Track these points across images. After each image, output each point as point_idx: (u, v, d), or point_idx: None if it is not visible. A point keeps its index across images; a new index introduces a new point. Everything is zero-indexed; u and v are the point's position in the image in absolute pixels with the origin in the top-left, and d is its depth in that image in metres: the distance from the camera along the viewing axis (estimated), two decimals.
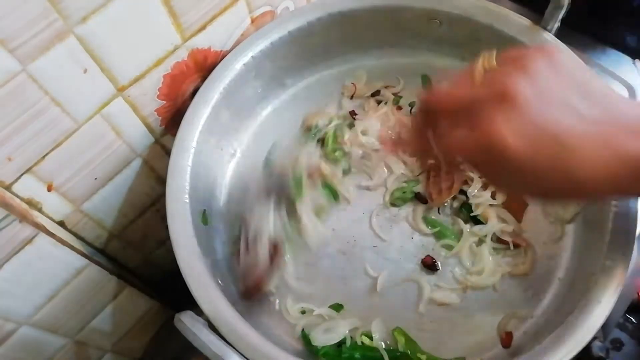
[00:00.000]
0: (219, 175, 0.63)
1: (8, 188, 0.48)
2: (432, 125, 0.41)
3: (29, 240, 0.50)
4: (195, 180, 0.56)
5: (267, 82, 0.66)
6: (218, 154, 0.63)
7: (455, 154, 0.39)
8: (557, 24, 0.59)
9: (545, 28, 0.59)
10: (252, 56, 0.61)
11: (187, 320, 0.45)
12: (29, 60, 0.42)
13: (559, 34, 0.59)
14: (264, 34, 0.62)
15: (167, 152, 0.63)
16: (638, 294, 0.58)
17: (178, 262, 0.50)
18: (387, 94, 0.69)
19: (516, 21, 0.61)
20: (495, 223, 0.58)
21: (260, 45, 0.62)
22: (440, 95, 0.40)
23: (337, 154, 0.63)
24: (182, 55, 0.55)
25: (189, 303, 0.48)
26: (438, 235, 0.59)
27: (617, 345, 0.57)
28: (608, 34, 0.74)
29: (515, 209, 0.59)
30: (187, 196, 0.54)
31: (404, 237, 0.59)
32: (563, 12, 0.57)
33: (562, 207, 0.58)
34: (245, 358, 0.44)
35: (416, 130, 0.43)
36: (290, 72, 0.68)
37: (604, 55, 0.73)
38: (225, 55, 0.61)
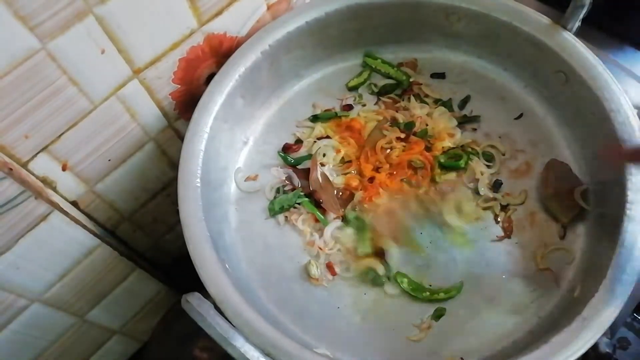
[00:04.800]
0: (230, 162, 0.64)
1: (24, 165, 0.49)
2: None
3: (44, 217, 0.51)
4: (207, 166, 0.56)
5: (282, 71, 0.66)
6: (231, 141, 0.63)
7: None
8: (577, 24, 0.58)
9: (565, 27, 0.58)
10: (269, 45, 0.61)
11: (194, 302, 0.45)
12: (49, 38, 0.43)
13: (577, 32, 0.58)
14: (281, 23, 0.62)
15: (180, 137, 0.63)
16: None
17: (187, 245, 0.50)
18: None
19: (536, 19, 0.60)
20: None
21: (277, 34, 0.62)
22: None
23: None
24: (198, 39, 0.56)
25: (197, 288, 0.49)
26: None
27: (624, 344, 0.56)
28: (625, 32, 0.73)
29: None
30: (198, 180, 0.54)
31: None
32: (584, 11, 0.56)
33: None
34: (250, 341, 0.44)
35: None
36: (305, 62, 0.68)
37: (621, 53, 0.72)
38: (241, 41, 0.61)
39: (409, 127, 0.65)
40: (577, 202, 0.56)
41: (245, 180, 0.63)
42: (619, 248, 0.48)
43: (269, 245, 0.60)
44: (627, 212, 0.49)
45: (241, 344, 0.43)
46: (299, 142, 0.66)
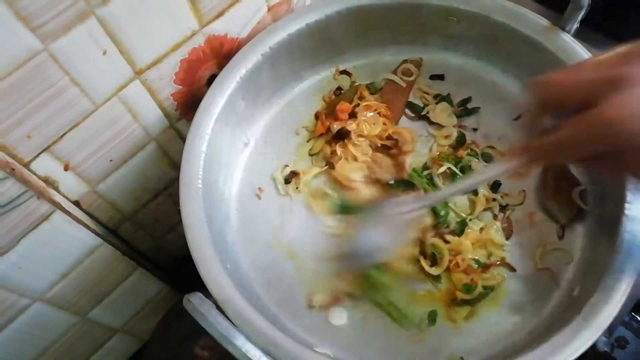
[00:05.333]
0: (231, 164, 0.64)
1: (26, 166, 0.49)
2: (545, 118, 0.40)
3: (46, 217, 0.52)
4: (209, 167, 0.57)
5: (283, 73, 0.66)
6: (232, 143, 0.63)
7: (570, 146, 0.38)
8: (576, 25, 0.58)
9: (563, 29, 0.59)
10: (269, 47, 0.62)
11: (196, 301, 0.45)
12: (51, 39, 0.43)
13: (576, 33, 0.58)
14: (282, 25, 0.63)
15: (182, 137, 0.63)
16: None
17: (189, 245, 0.51)
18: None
19: (534, 21, 0.60)
20: None
21: (278, 36, 0.62)
22: (555, 81, 0.39)
23: None
24: (199, 41, 0.56)
25: (198, 288, 0.49)
26: None
27: (622, 343, 0.57)
28: (624, 33, 0.73)
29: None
30: (200, 181, 0.54)
31: None
32: (583, 13, 0.57)
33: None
34: (251, 341, 0.44)
35: (532, 126, 0.42)
36: (306, 64, 0.68)
37: None
38: (242, 43, 0.61)
39: None
40: (575, 202, 0.57)
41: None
42: (618, 248, 0.48)
43: (269, 246, 0.60)
44: (626, 212, 0.49)
45: (242, 343, 0.43)
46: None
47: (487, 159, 0.62)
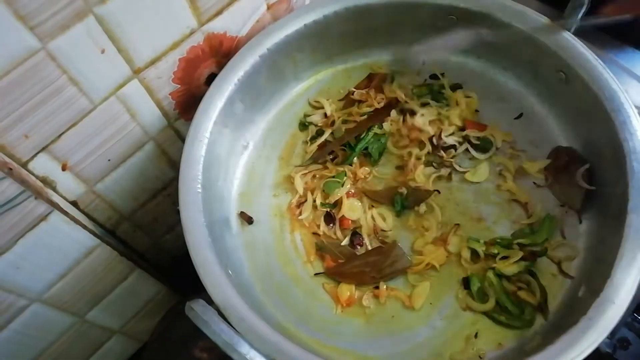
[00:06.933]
0: (231, 167, 0.63)
1: (24, 165, 0.49)
2: None
3: (44, 217, 0.51)
4: (208, 171, 0.56)
5: (281, 75, 0.66)
6: (231, 146, 0.63)
7: None
8: (577, 23, 0.58)
9: (564, 27, 0.58)
10: (267, 48, 0.61)
11: (198, 309, 0.44)
12: (49, 38, 0.43)
13: (577, 31, 0.58)
14: (279, 26, 0.62)
15: (180, 137, 0.63)
16: None
17: (189, 251, 0.50)
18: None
19: (535, 19, 0.60)
20: None
21: (276, 37, 0.61)
22: None
23: None
24: (198, 39, 0.56)
25: (197, 288, 0.49)
26: None
27: (624, 344, 0.56)
28: (626, 32, 0.73)
29: None
30: (199, 186, 0.54)
31: None
32: (583, 10, 0.56)
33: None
34: (255, 347, 0.44)
35: None
36: (305, 65, 0.68)
37: (622, 53, 0.72)
38: (241, 41, 0.61)
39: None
40: (580, 186, 0.56)
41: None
42: (623, 247, 0.47)
43: (270, 250, 0.59)
44: (631, 210, 0.49)
45: (247, 351, 0.42)
46: None
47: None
